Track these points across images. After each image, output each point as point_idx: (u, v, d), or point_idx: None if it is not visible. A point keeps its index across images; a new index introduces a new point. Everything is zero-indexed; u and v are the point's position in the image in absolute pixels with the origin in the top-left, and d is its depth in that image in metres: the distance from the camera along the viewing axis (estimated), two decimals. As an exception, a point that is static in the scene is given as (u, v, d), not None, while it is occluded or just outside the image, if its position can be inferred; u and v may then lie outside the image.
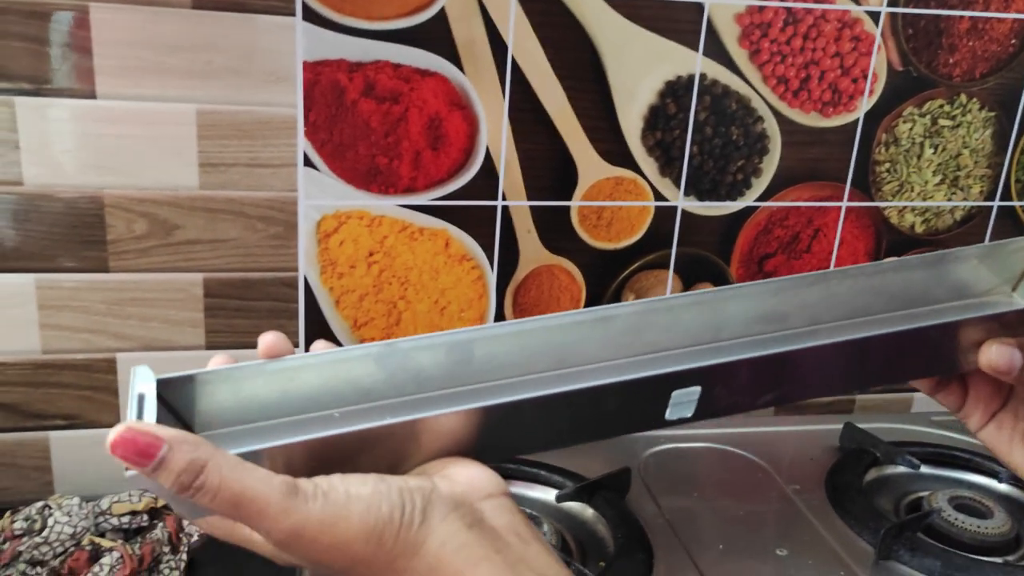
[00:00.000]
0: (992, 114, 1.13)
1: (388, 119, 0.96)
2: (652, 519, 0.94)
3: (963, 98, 1.12)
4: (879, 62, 1.08)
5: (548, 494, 0.97)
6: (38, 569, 0.80)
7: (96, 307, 0.94)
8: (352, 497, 0.43)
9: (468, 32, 0.95)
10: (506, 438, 0.51)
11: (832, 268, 1.14)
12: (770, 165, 1.09)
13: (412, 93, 0.95)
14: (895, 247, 1.16)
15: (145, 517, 0.86)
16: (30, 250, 0.91)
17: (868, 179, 1.12)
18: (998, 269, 0.63)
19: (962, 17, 1.08)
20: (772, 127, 1.07)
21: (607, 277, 1.08)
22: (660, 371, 0.51)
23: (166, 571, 0.82)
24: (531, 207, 1.03)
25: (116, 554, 0.80)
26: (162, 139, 0.91)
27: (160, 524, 0.86)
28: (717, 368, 0.52)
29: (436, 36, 0.95)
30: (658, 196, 1.06)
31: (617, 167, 1.04)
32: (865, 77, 1.08)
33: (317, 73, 0.93)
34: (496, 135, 0.99)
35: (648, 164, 1.05)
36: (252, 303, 0.98)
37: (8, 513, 0.85)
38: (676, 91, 1.03)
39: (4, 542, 0.81)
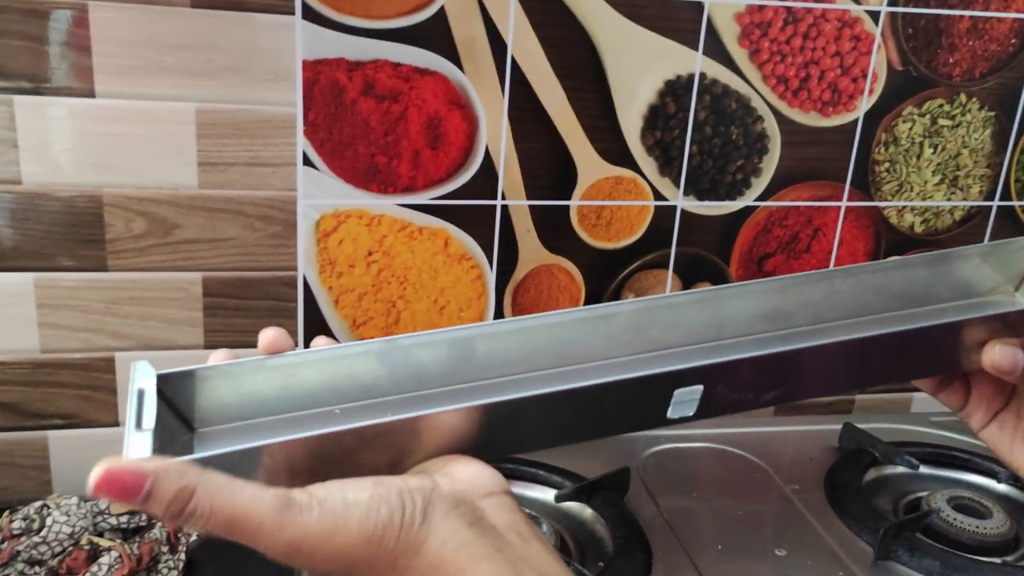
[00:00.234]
0: (992, 114, 1.13)
1: (387, 118, 0.96)
2: (651, 519, 0.94)
3: (963, 98, 1.12)
4: (879, 62, 1.08)
5: (547, 494, 0.97)
6: (36, 569, 0.80)
7: (95, 306, 0.94)
8: (350, 504, 0.43)
9: (468, 31, 0.95)
10: (507, 436, 0.51)
11: (834, 267, 1.14)
12: (770, 165, 1.09)
13: (411, 92, 0.95)
14: (894, 247, 1.16)
15: (143, 517, 0.86)
16: (29, 249, 0.91)
17: (868, 179, 1.12)
18: (1001, 268, 0.63)
19: (962, 17, 1.08)
20: (772, 126, 1.07)
21: (606, 277, 1.08)
22: (662, 369, 0.51)
23: (164, 571, 0.82)
24: (530, 206, 1.03)
25: (114, 554, 0.80)
26: (161, 138, 0.91)
27: (158, 524, 0.86)
28: (719, 367, 0.52)
29: (436, 35, 0.95)
30: (657, 196, 1.06)
31: (617, 166, 1.04)
32: (865, 77, 1.08)
33: (316, 72, 0.93)
34: (495, 134, 0.99)
35: (648, 163, 1.05)
36: (251, 302, 0.98)
37: (6, 512, 0.85)
38: (676, 90, 1.03)
39: (2, 541, 0.81)
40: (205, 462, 0.44)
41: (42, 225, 0.91)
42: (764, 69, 1.04)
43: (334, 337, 1.02)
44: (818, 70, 1.06)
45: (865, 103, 1.09)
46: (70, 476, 0.98)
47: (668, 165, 1.05)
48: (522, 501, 0.96)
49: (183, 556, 0.84)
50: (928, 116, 1.11)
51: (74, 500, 0.85)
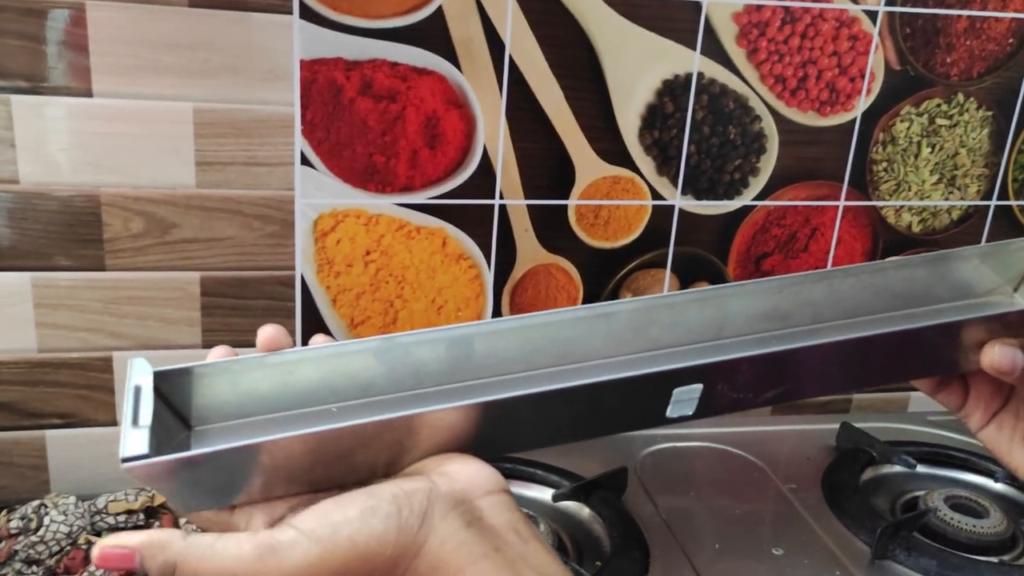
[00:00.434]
0: (989, 113, 1.13)
1: (385, 118, 0.96)
2: (648, 518, 0.94)
3: (960, 97, 1.12)
4: (876, 61, 1.08)
5: (544, 493, 0.97)
6: (34, 568, 0.80)
7: (92, 306, 0.94)
8: (338, 524, 0.43)
9: (465, 31, 0.95)
10: (506, 434, 0.51)
11: (833, 267, 1.14)
12: (767, 164, 1.09)
13: (409, 92, 0.95)
14: (892, 246, 1.16)
15: (141, 516, 0.86)
16: (26, 248, 0.91)
17: (865, 178, 1.12)
18: (1000, 269, 0.63)
19: (960, 16, 1.08)
20: (769, 126, 1.07)
21: (604, 276, 1.08)
22: (661, 368, 0.51)
23: (162, 570, 0.82)
24: (528, 206, 1.03)
25: (112, 553, 0.80)
26: (159, 137, 0.91)
27: (156, 523, 0.86)
28: (719, 366, 0.52)
29: (433, 35, 0.95)
30: (655, 195, 1.06)
31: (614, 166, 1.04)
32: (863, 76, 1.08)
33: (314, 71, 0.93)
34: (493, 134, 0.99)
35: (645, 163, 1.05)
36: (249, 302, 0.98)
37: (4, 512, 0.84)
38: (674, 90, 1.03)
39: (0, 541, 0.81)
40: (202, 459, 0.44)
41: (39, 224, 0.91)
42: (762, 69, 1.04)
43: (332, 336, 1.01)
44: (816, 70, 1.06)
45: (863, 103, 1.09)
46: (68, 476, 0.98)
47: (666, 164, 1.05)
48: (520, 500, 0.96)
49: None
50: (926, 116, 1.11)
51: (72, 500, 0.85)
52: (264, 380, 0.51)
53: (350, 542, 0.43)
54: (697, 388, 0.52)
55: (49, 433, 0.97)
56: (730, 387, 0.53)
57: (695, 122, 1.04)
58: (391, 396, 0.53)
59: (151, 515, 0.87)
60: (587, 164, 1.03)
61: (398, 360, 0.53)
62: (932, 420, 1.20)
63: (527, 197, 1.03)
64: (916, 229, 1.17)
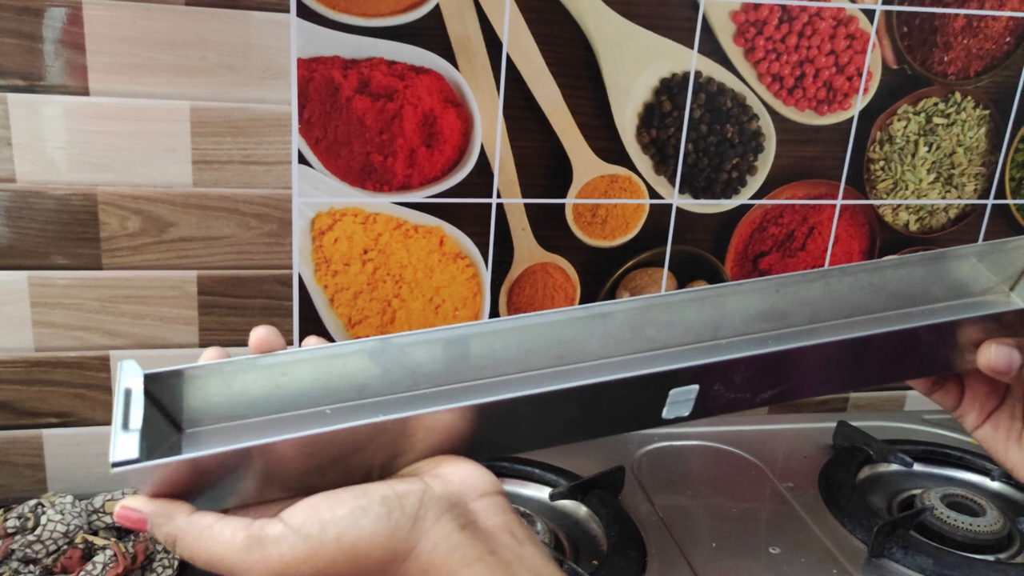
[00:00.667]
0: (986, 112, 1.13)
1: (382, 116, 0.95)
2: (646, 517, 0.94)
3: (957, 96, 1.12)
4: (874, 60, 1.08)
5: (542, 492, 0.97)
6: (31, 567, 0.80)
7: (89, 304, 0.94)
8: (326, 522, 0.43)
9: (463, 29, 0.95)
10: (501, 436, 0.51)
11: (831, 266, 1.14)
12: (765, 163, 1.09)
13: (406, 90, 0.95)
14: (889, 245, 1.16)
15: (138, 515, 0.86)
16: (23, 247, 0.91)
17: (863, 177, 1.12)
18: (997, 268, 0.63)
19: (957, 15, 1.08)
20: (767, 125, 1.07)
21: (602, 275, 1.08)
22: (657, 369, 0.51)
23: (159, 569, 0.82)
24: (526, 205, 1.03)
25: (109, 552, 0.80)
26: (156, 136, 0.91)
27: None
28: (715, 367, 0.52)
29: (430, 33, 0.95)
30: (653, 194, 1.06)
31: (612, 164, 1.04)
32: (860, 75, 1.08)
33: (311, 70, 0.93)
34: (491, 132, 0.99)
35: (643, 162, 1.05)
36: (246, 301, 0.98)
37: (1, 511, 0.84)
38: (671, 88, 1.03)
39: (-3, 540, 0.81)
40: (192, 463, 0.44)
41: (36, 223, 0.90)
42: (759, 67, 1.04)
43: (328, 338, 1.01)
44: (813, 68, 1.06)
45: (860, 101, 1.09)
46: (65, 475, 0.98)
47: (663, 163, 1.05)
48: (516, 499, 0.96)
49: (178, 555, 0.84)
50: (923, 114, 1.11)
51: (69, 499, 0.85)
52: (257, 382, 0.51)
53: (337, 541, 0.43)
54: (693, 389, 0.52)
55: (46, 432, 0.97)
56: (726, 388, 0.53)
57: (693, 121, 1.04)
58: (386, 398, 0.53)
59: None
60: (585, 163, 1.03)
61: (393, 361, 0.53)
62: (929, 419, 1.20)
63: (524, 196, 1.03)
64: (913, 228, 1.17)
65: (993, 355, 0.57)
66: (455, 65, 0.96)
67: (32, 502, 0.85)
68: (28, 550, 0.80)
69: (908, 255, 0.62)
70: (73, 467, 0.98)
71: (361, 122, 0.95)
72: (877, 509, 0.98)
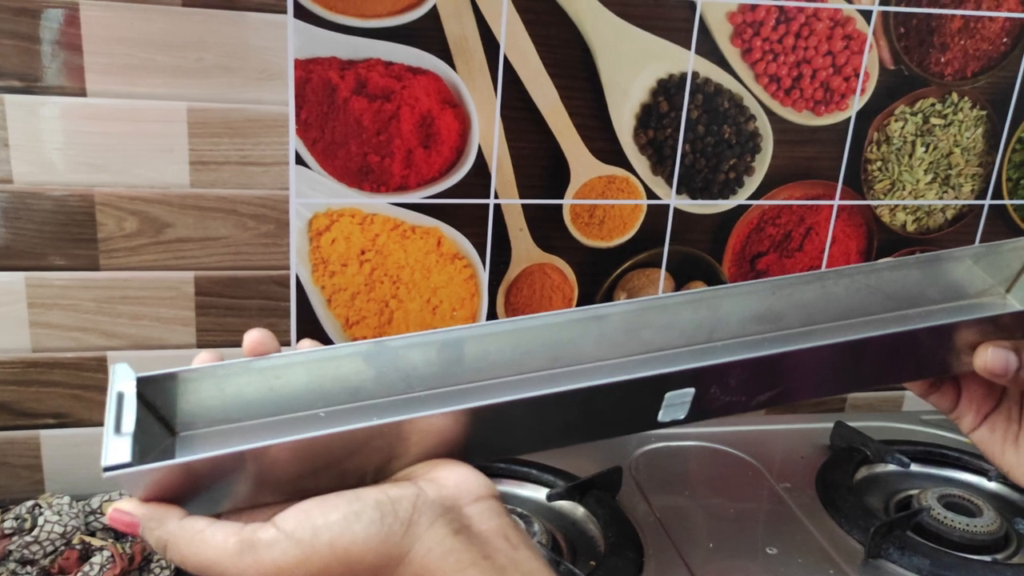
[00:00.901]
0: (983, 113, 1.13)
1: (380, 117, 0.95)
2: (643, 518, 0.94)
3: (954, 97, 1.12)
4: (871, 61, 1.08)
5: (539, 493, 0.97)
6: (28, 568, 0.80)
7: (86, 305, 0.94)
8: (319, 528, 0.43)
9: (460, 30, 0.95)
10: (496, 439, 0.51)
11: (826, 267, 1.14)
12: (762, 163, 1.09)
13: (404, 91, 0.95)
14: (887, 246, 1.16)
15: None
16: (20, 248, 0.91)
17: (860, 178, 1.12)
18: (992, 270, 0.63)
19: (954, 16, 1.08)
20: (764, 125, 1.07)
21: (599, 276, 1.08)
22: (653, 372, 0.51)
23: (157, 570, 0.82)
24: (523, 205, 1.03)
25: (107, 553, 0.80)
26: (153, 137, 0.91)
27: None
28: (711, 369, 0.52)
29: (428, 34, 0.95)
30: (650, 194, 1.06)
31: (609, 165, 1.04)
32: (857, 76, 1.08)
33: (308, 71, 0.93)
34: (488, 133, 0.99)
35: (640, 162, 1.05)
36: (243, 301, 0.98)
37: (-2, 512, 0.84)
38: (668, 89, 1.03)
39: (-6, 541, 0.81)
40: (185, 467, 0.43)
41: (33, 224, 0.90)
42: (756, 68, 1.04)
43: (326, 338, 1.01)
44: (810, 69, 1.06)
45: (857, 102, 1.09)
46: (62, 475, 0.98)
47: (661, 164, 1.05)
48: (514, 500, 0.96)
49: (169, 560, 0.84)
50: (920, 115, 1.11)
51: (66, 500, 0.85)
52: (251, 385, 0.51)
53: (330, 546, 0.43)
54: (689, 392, 0.51)
55: (43, 433, 0.97)
56: (722, 391, 0.52)
57: (690, 121, 1.04)
58: (381, 400, 0.53)
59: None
60: (582, 163, 1.03)
61: (388, 364, 0.53)
62: (926, 419, 1.20)
63: (522, 196, 1.03)
64: (910, 228, 1.17)
65: (990, 358, 0.57)
66: (452, 66, 0.96)
67: (29, 503, 0.85)
68: (25, 551, 0.80)
69: (904, 257, 0.62)
70: (70, 468, 0.98)
71: (358, 123, 0.95)
72: (874, 509, 0.98)
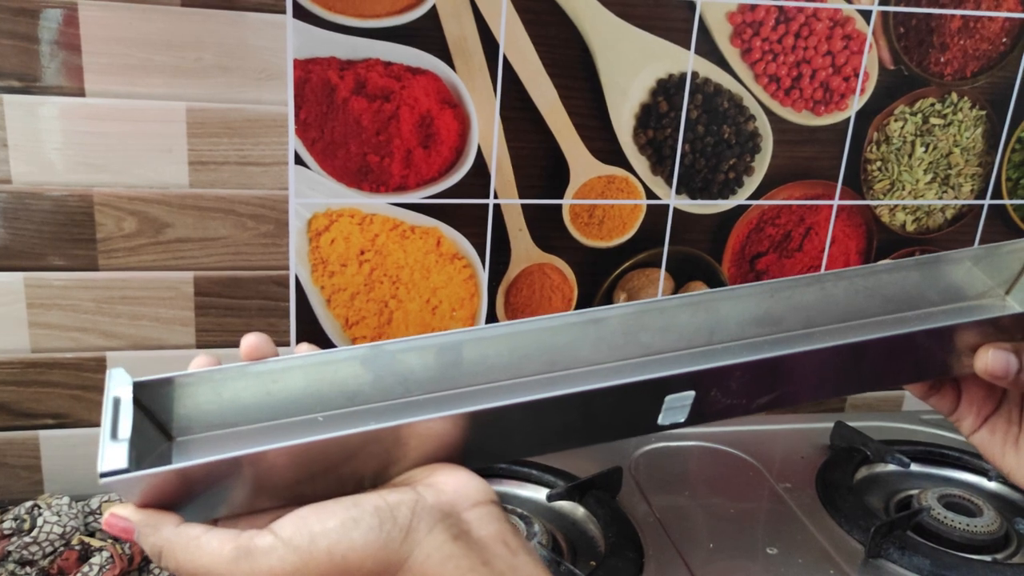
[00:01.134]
0: (983, 113, 1.13)
1: (379, 117, 0.95)
2: (643, 518, 0.94)
3: (954, 97, 1.12)
4: (870, 61, 1.08)
5: (539, 493, 0.97)
6: (27, 569, 0.80)
7: (85, 305, 0.94)
8: (316, 535, 0.43)
9: (459, 30, 0.95)
10: (495, 443, 0.50)
11: (825, 269, 1.14)
12: (762, 163, 1.09)
13: (403, 91, 0.95)
14: (886, 245, 1.16)
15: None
16: (19, 248, 0.91)
17: (859, 177, 1.12)
18: (992, 272, 0.63)
19: (953, 16, 1.08)
20: (764, 125, 1.07)
21: (599, 276, 1.08)
22: (653, 376, 0.50)
23: (156, 571, 0.82)
24: (523, 205, 1.03)
25: (106, 554, 0.80)
26: (152, 137, 0.91)
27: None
28: (712, 372, 0.51)
29: (427, 34, 0.94)
30: (650, 194, 1.06)
31: (609, 165, 1.04)
32: (856, 76, 1.08)
33: (308, 71, 0.92)
34: (487, 133, 0.99)
35: (640, 162, 1.05)
36: (243, 302, 0.98)
37: (-3, 513, 0.84)
38: (668, 89, 1.03)
39: (-7, 542, 0.81)
40: (182, 473, 0.43)
41: (32, 224, 0.90)
42: (756, 68, 1.04)
43: (326, 338, 1.01)
44: (810, 69, 1.06)
45: (857, 102, 1.09)
46: (61, 476, 0.98)
47: (660, 164, 1.05)
48: (513, 500, 0.96)
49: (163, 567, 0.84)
50: (920, 115, 1.11)
51: (65, 500, 0.85)
52: (248, 389, 0.50)
53: (328, 553, 0.43)
54: (689, 395, 0.51)
55: (42, 433, 0.97)
56: (723, 394, 0.52)
57: (689, 121, 1.04)
58: (378, 405, 0.53)
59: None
60: (581, 163, 1.03)
61: (386, 368, 0.52)
62: (926, 419, 1.20)
63: (521, 196, 1.02)
64: (910, 228, 1.17)
65: (991, 359, 0.57)
66: (452, 66, 0.96)
67: (28, 503, 0.85)
68: (24, 552, 0.80)
69: (903, 259, 0.62)
70: (70, 468, 0.98)
71: (358, 123, 0.95)
72: (874, 509, 0.98)
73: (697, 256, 1.11)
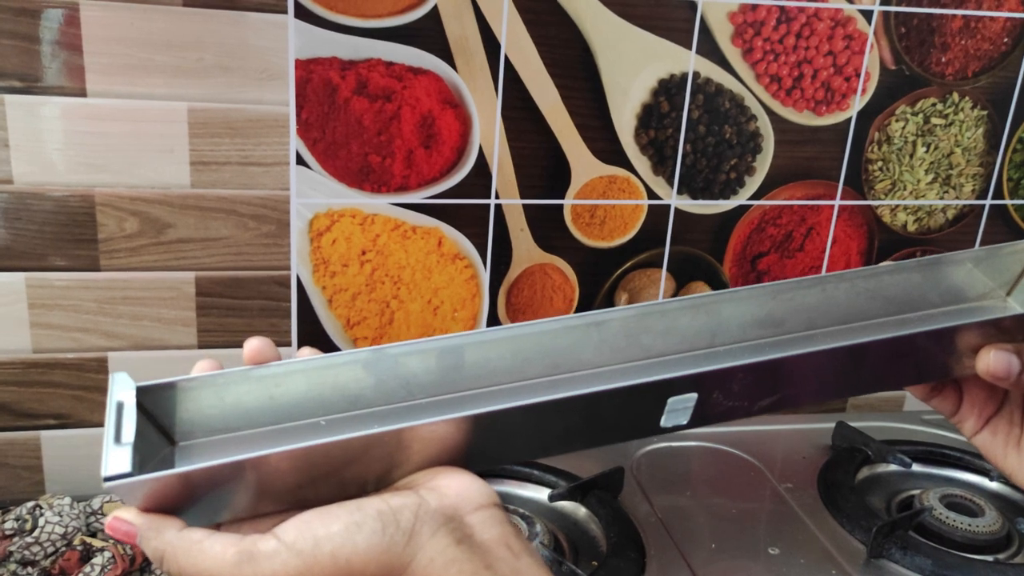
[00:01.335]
0: (984, 113, 1.13)
1: (381, 117, 0.95)
2: (645, 518, 0.94)
3: (955, 97, 1.12)
4: (872, 61, 1.07)
5: (541, 493, 0.97)
6: (29, 569, 0.80)
7: (87, 306, 0.94)
8: (320, 539, 0.43)
9: (461, 30, 0.95)
10: (497, 446, 0.50)
11: (827, 269, 1.14)
12: (763, 164, 1.08)
13: (405, 91, 0.95)
14: (887, 246, 1.16)
15: (137, 517, 0.86)
16: (20, 249, 0.91)
17: (861, 178, 1.12)
18: (993, 273, 0.63)
19: (955, 16, 1.08)
20: (765, 126, 1.07)
21: (600, 276, 1.08)
22: (655, 378, 0.50)
23: (158, 571, 0.82)
24: (524, 205, 1.03)
25: (107, 554, 0.80)
26: (153, 137, 0.91)
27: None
28: (714, 374, 0.51)
29: (429, 34, 0.94)
30: (651, 195, 1.06)
31: (610, 165, 1.04)
32: (858, 76, 1.07)
33: (309, 71, 0.92)
34: (489, 133, 0.99)
35: (641, 162, 1.05)
36: (244, 302, 0.98)
37: (-1, 513, 0.84)
38: (669, 89, 1.03)
39: (-5, 543, 0.81)
40: (185, 477, 0.43)
41: (34, 224, 0.90)
42: (757, 68, 1.04)
43: (327, 339, 1.01)
44: (811, 69, 1.06)
45: (858, 102, 1.09)
46: (63, 476, 0.98)
47: (662, 164, 1.05)
48: (515, 500, 0.96)
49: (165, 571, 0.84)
50: (921, 115, 1.11)
51: (67, 500, 0.85)
52: (250, 393, 0.50)
53: (331, 557, 0.43)
54: (692, 397, 0.51)
55: (44, 434, 0.97)
56: (725, 396, 0.52)
57: (691, 121, 1.04)
58: (381, 408, 0.53)
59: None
60: (583, 164, 1.03)
61: (387, 371, 0.52)
62: (927, 419, 1.20)
63: (523, 197, 1.02)
64: (911, 228, 1.17)
65: (992, 361, 0.57)
66: (453, 66, 0.96)
67: (30, 504, 0.85)
68: (26, 552, 0.80)
69: (904, 261, 0.62)
70: (71, 469, 0.98)
71: (359, 123, 0.95)
72: (876, 510, 0.98)
73: (698, 256, 1.11)
